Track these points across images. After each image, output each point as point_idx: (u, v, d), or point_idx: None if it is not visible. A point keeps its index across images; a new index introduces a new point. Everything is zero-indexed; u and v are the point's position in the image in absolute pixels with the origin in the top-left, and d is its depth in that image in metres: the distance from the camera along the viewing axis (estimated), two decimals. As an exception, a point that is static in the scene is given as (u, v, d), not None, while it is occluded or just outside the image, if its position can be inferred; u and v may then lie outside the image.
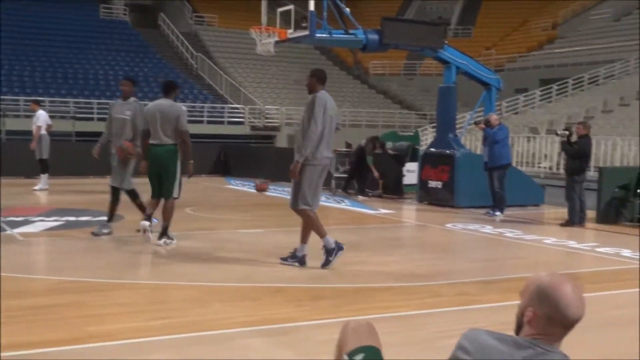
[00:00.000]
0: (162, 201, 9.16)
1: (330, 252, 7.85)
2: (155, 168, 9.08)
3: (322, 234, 7.88)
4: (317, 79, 7.89)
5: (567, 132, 12.65)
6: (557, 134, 13.42)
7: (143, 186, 9.66)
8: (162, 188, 9.12)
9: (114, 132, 9.73)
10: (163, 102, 9.13)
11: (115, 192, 9.78)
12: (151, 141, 9.06)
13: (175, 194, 9.16)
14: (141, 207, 9.80)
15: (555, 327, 2.37)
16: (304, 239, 7.99)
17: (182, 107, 9.35)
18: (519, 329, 2.47)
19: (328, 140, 7.82)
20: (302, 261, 7.96)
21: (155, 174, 9.12)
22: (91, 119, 26.01)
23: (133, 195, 9.94)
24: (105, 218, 9.82)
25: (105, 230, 9.65)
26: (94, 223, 10.24)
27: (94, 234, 9.60)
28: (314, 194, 7.90)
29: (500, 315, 6.02)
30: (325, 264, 7.82)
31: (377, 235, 10.75)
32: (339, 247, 7.85)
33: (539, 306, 2.38)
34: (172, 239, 9.15)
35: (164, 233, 9.11)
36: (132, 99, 9.74)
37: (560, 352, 2.39)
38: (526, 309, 2.41)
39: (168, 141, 8.98)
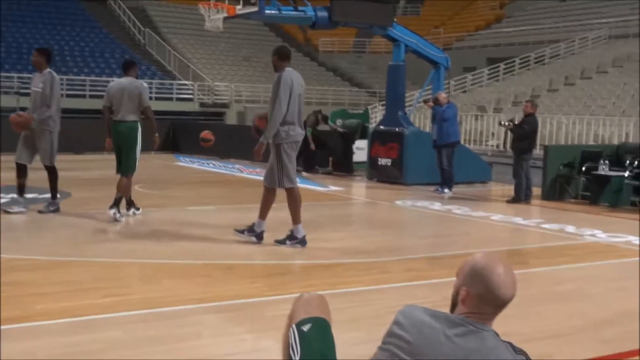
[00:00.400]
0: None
1: (293, 239, 7.84)
2: (117, 144, 9.30)
3: (298, 220, 7.83)
4: (280, 57, 7.83)
5: (511, 123, 12.97)
6: (501, 124, 13.67)
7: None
8: (121, 164, 9.32)
9: (31, 105, 9.52)
10: (124, 80, 9.39)
11: (20, 167, 9.48)
12: (115, 118, 9.26)
13: (132, 170, 9.36)
14: (55, 188, 9.62)
15: (487, 306, 2.45)
16: (263, 215, 7.95)
17: (143, 83, 9.64)
18: (453, 307, 2.56)
19: (299, 117, 7.81)
20: (260, 237, 7.94)
21: (116, 150, 9.35)
22: (35, 94, 25.46)
23: (54, 175, 9.61)
24: (49, 195, 9.65)
25: (21, 209, 9.39)
26: (41, 200, 10.07)
27: (40, 212, 9.46)
28: (294, 171, 7.89)
29: (448, 290, 6.12)
30: (281, 242, 7.83)
31: (327, 212, 10.81)
32: (303, 242, 7.84)
33: (472, 286, 2.47)
34: (121, 215, 9.23)
35: (116, 204, 9.22)
36: (47, 70, 9.43)
37: (491, 330, 2.47)
38: (460, 288, 2.51)
39: (131, 118, 9.21)
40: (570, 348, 4.71)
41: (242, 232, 8.03)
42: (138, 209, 9.68)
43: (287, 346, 2.95)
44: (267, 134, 7.67)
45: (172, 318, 5.15)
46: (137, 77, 9.63)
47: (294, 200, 7.84)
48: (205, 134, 10.27)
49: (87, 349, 4.37)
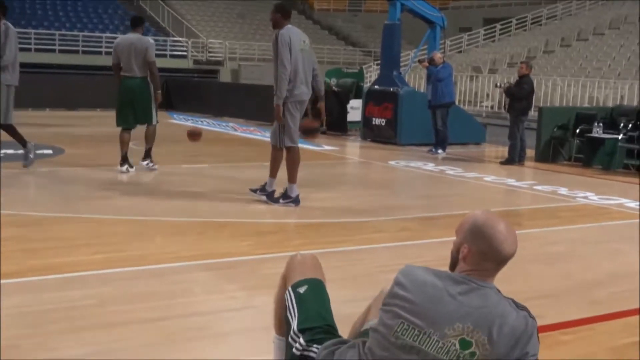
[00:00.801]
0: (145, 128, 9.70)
1: (286, 198, 7.85)
2: (129, 99, 9.46)
3: (293, 180, 7.84)
4: (283, 14, 7.72)
5: (506, 84, 12.92)
6: (496, 86, 13.61)
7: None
8: (141, 116, 9.56)
9: None
10: (132, 36, 9.56)
11: None
12: (124, 73, 9.42)
13: (154, 121, 9.66)
14: (22, 139, 9.53)
15: (489, 263, 2.45)
16: (273, 174, 7.93)
17: (150, 40, 9.81)
18: (453, 265, 2.55)
19: (303, 76, 7.66)
20: (296, 201, 7.85)
21: (129, 105, 9.47)
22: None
23: (12, 130, 9.45)
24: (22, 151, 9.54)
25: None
26: (34, 156, 10.02)
27: (25, 166, 9.38)
28: (295, 131, 7.82)
29: (440, 250, 6.14)
30: (274, 200, 7.85)
31: (321, 171, 10.80)
32: (296, 201, 7.84)
33: (473, 243, 2.46)
34: (155, 164, 9.82)
35: (147, 155, 9.82)
36: (2, 22, 9.02)
37: (494, 286, 2.47)
38: (461, 246, 2.49)
39: (140, 74, 9.38)
40: (559, 309, 4.75)
41: (254, 191, 8.02)
42: (132, 166, 9.68)
43: (281, 306, 2.96)
44: (278, 95, 7.56)
45: (164, 275, 5.16)
46: (143, 34, 9.75)
47: (292, 160, 7.84)
48: (192, 129, 10.03)
49: (79, 305, 4.39)
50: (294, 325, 2.75)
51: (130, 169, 9.62)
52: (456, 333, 2.36)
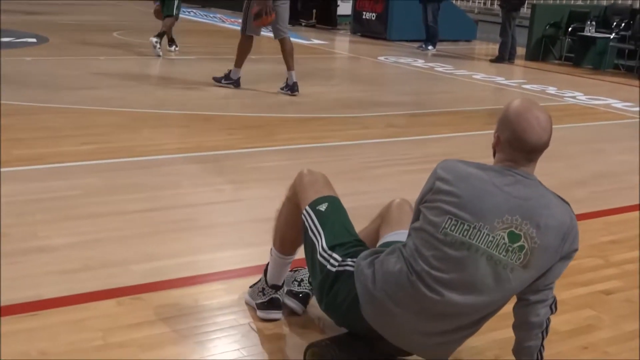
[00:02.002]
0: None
1: (228, 79, 8.21)
2: None
3: (291, 66, 8.06)
4: None
5: None
6: None
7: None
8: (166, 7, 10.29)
9: None
10: None
11: None
12: None
13: (174, 12, 10.28)
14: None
15: (517, 153, 2.37)
16: (239, 64, 8.18)
17: None
18: (494, 155, 2.48)
19: None
20: (236, 83, 8.19)
21: None
22: None
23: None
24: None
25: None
26: (18, 44, 9.86)
27: None
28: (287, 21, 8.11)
29: (427, 147, 6.18)
30: (290, 89, 8.11)
31: (309, 66, 10.69)
32: (293, 89, 8.10)
33: (502, 131, 2.39)
34: (159, 46, 10.22)
35: (160, 35, 10.26)
36: None
37: (535, 178, 2.42)
38: (494, 134, 2.43)
39: None
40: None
41: (219, 80, 8.13)
42: (177, 46, 10.78)
43: (286, 225, 2.91)
44: None
45: (151, 167, 5.17)
46: None
47: (284, 49, 8.04)
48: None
49: (65, 195, 4.41)
50: (322, 243, 2.65)
51: (176, 49, 10.76)
52: (505, 226, 2.31)
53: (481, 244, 2.31)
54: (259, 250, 3.43)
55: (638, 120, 7.95)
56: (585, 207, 4.76)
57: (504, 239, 2.31)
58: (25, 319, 2.85)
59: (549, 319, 2.44)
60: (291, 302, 3.02)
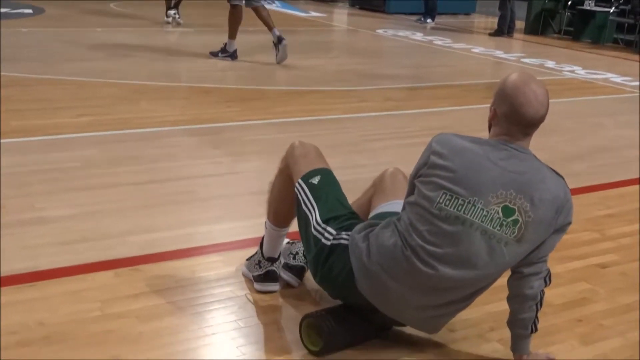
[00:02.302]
0: None
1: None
2: None
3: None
4: None
5: None
6: None
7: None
8: None
9: None
10: None
11: None
12: None
13: None
14: None
15: (514, 126, 2.37)
16: (232, 35, 8.20)
17: None
18: (490, 131, 2.48)
19: None
20: (233, 55, 8.20)
21: None
22: None
23: None
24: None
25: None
26: (13, 15, 9.80)
27: None
28: None
29: (425, 121, 6.18)
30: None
31: (307, 38, 10.65)
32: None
33: (498, 105, 2.39)
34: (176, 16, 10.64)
35: (176, 5, 10.62)
36: None
37: (530, 152, 2.42)
38: (490, 108, 2.43)
39: None
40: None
41: (216, 54, 8.11)
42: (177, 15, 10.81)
43: (279, 197, 2.90)
44: None
45: (149, 139, 5.17)
46: None
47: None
48: None
49: (64, 167, 4.40)
50: (316, 216, 2.65)
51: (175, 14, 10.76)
52: (499, 200, 2.32)
53: (475, 218, 2.32)
54: (256, 223, 3.43)
55: (637, 94, 7.95)
56: (583, 181, 4.77)
57: (498, 213, 2.32)
58: (24, 290, 2.87)
59: (543, 291, 2.45)
60: (287, 276, 3.04)
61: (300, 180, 2.76)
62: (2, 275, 2.96)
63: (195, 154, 4.90)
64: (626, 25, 12.10)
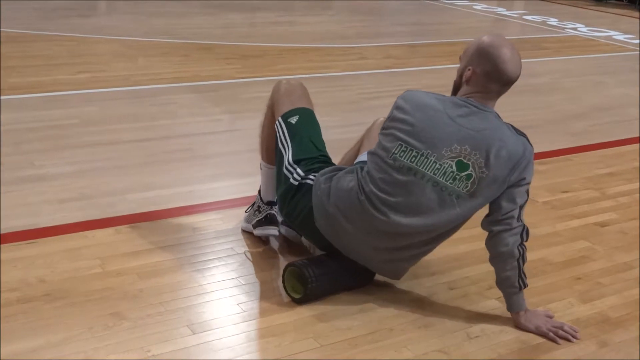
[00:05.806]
0: None
1: None
2: None
3: None
4: None
5: None
6: None
7: None
8: None
9: None
10: None
11: None
12: None
13: None
14: None
15: (493, 84, 2.44)
16: None
17: None
18: (455, 92, 2.54)
19: None
20: None
21: None
22: None
23: None
24: None
25: None
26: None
27: None
28: None
29: (426, 78, 6.14)
30: None
31: (308, -6, 10.55)
32: None
33: (478, 64, 2.44)
34: None
35: None
36: None
37: (493, 111, 2.49)
38: (465, 69, 2.48)
39: None
40: (539, 139, 4.80)
41: None
42: None
43: (268, 135, 2.92)
44: None
45: (148, 96, 5.14)
46: None
47: None
48: None
49: (61, 124, 4.39)
50: (288, 156, 2.73)
51: None
52: (453, 155, 2.39)
53: (427, 170, 2.41)
54: (255, 180, 3.42)
55: (639, 52, 7.89)
56: (583, 139, 4.76)
57: (451, 167, 2.40)
58: (23, 247, 2.87)
59: (521, 246, 2.47)
60: (286, 231, 3.04)
61: (280, 119, 2.83)
62: (1, 232, 2.96)
63: (194, 112, 4.88)
64: (630, -18, 11.97)
